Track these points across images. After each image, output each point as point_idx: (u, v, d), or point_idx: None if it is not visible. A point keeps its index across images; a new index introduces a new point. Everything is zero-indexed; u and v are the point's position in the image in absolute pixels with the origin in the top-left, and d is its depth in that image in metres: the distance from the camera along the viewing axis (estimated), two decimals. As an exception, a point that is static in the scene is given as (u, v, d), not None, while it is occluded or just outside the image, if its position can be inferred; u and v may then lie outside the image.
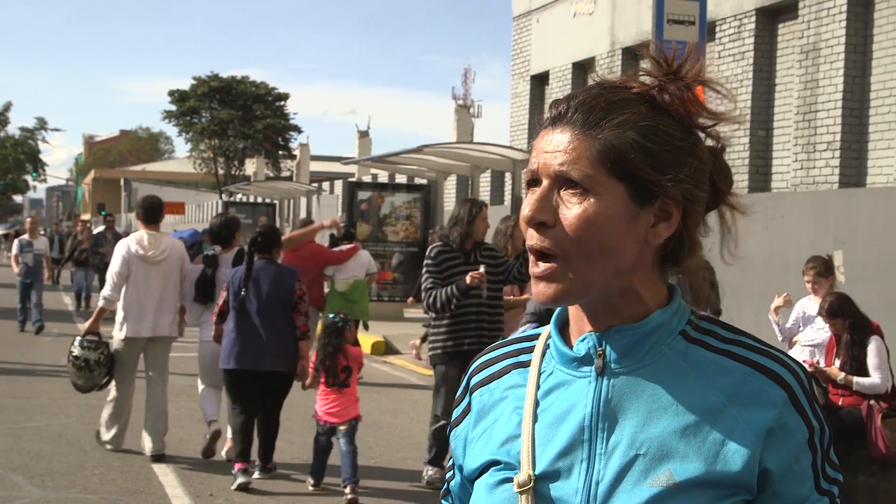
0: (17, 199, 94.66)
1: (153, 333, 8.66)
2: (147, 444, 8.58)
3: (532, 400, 1.48)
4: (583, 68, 20.98)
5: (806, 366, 8.06)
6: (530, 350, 1.55)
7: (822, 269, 8.68)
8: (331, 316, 7.92)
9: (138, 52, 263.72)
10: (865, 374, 7.49)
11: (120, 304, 8.69)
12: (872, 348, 7.50)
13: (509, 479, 1.45)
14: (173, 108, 57.75)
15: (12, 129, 69.81)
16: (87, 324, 8.87)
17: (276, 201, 34.01)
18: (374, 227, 20.57)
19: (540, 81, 22.56)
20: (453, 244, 7.86)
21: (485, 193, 23.54)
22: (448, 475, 1.66)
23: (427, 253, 7.95)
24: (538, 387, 1.49)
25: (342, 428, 7.58)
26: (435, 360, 7.96)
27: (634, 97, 1.44)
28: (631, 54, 19.06)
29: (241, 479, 7.70)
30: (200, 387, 8.93)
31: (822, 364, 7.90)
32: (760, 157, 15.47)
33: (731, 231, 1.52)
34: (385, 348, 16.21)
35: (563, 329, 1.52)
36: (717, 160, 1.50)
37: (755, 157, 15.43)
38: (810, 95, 14.29)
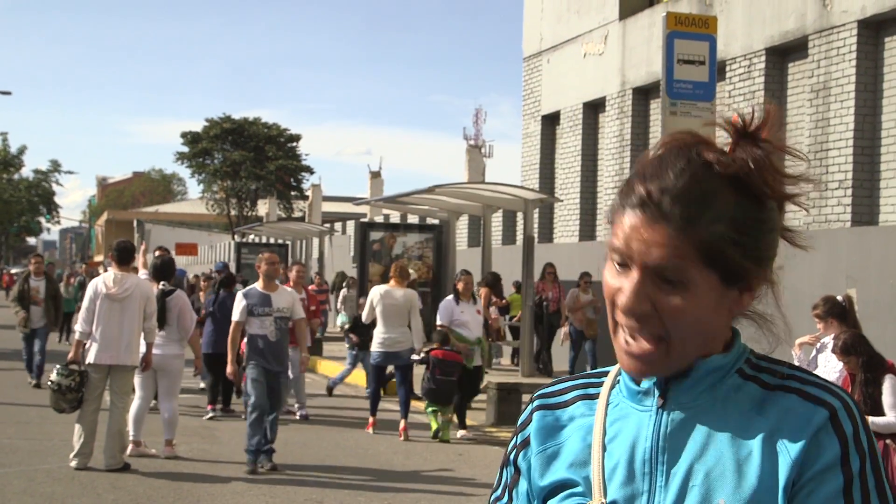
0: (31, 240, 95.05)
1: (114, 362, 9.81)
2: (102, 459, 9.69)
3: (601, 428, 1.57)
4: (594, 108, 21.06)
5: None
6: (598, 385, 1.63)
7: (822, 311, 8.59)
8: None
9: (150, 94, 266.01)
10: (880, 412, 7.44)
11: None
12: (887, 387, 7.45)
13: None
14: (186, 149, 58.06)
15: (26, 171, 70.24)
16: (70, 354, 9.94)
17: (288, 242, 34.06)
18: (387, 267, 20.58)
19: (551, 121, 22.65)
20: None
21: (497, 234, 23.58)
22: (497, 496, 1.69)
23: None
24: (606, 415, 1.58)
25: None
26: None
27: (722, 181, 1.47)
28: (642, 93, 19.14)
29: (211, 414, 13.21)
30: (140, 401, 10.52)
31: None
32: (772, 196, 15.48)
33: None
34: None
35: None
36: (783, 213, 1.56)
37: (767, 196, 15.44)
38: (821, 134, 14.31)
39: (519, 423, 1.70)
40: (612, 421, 1.57)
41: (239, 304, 10.30)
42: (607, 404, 1.59)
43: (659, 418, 1.52)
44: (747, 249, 1.47)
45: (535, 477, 1.61)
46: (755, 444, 1.45)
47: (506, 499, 1.66)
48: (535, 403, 1.68)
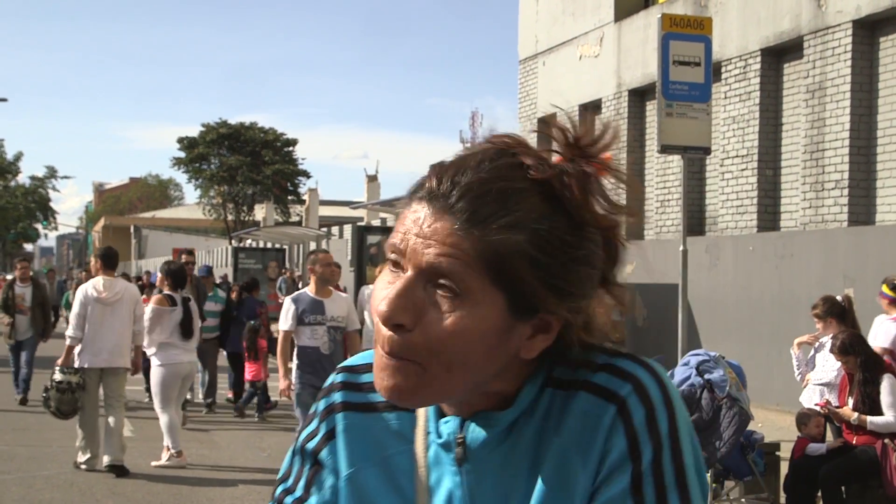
0: (28, 247, 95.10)
1: (107, 365, 9.94)
2: (104, 459, 9.81)
3: (424, 478, 1.35)
4: (590, 110, 21.09)
5: (818, 408, 8.03)
6: None
7: (821, 311, 8.63)
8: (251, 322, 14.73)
9: (147, 99, 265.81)
10: (879, 411, 7.46)
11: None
12: (885, 386, 7.47)
13: None
14: (182, 154, 58.04)
15: (23, 178, 70.28)
16: (59, 360, 9.98)
17: (285, 246, 34.09)
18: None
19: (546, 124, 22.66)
20: None
21: (494, 236, 23.58)
22: (296, 496, 1.43)
23: None
24: (427, 448, 1.36)
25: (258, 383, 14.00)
26: None
27: (529, 186, 1.22)
28: (638, 95, 19.17)
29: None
30: (164, 416, 10.18)
31: (834, 403, 7.88)
32: (769, 197, 15.50)
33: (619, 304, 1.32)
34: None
35: None
36: (610, 249, 1.29)
37: (763, 197, 15.46)
38: (817, 134, 14.33)
39: (322, 407, 1.44)
40: (431, 462, 1.35)
41: (288, 311, 8.97)
42: (426, 434, 1.36)
43: (462, 478, 1.31)
44: (548, 275, 1.21)
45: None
46: (562, 480, 1.25)
47: (312, 499, 1.41)
48: (340, 398, 1.42)
